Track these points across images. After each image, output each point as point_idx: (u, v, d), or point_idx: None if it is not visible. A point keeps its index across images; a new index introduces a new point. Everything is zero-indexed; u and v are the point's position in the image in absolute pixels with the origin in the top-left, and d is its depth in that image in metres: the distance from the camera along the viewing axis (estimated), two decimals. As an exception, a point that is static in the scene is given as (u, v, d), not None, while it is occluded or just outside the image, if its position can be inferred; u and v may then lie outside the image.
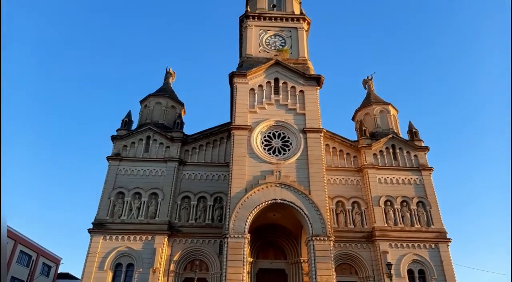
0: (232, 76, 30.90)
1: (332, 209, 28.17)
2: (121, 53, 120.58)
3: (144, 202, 27.88)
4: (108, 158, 29.65)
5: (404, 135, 33.39)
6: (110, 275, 25.09)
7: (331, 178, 29.54)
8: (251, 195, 25.38)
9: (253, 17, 35.16)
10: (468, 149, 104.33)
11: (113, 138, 30.71)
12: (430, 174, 30.33)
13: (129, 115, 32.61)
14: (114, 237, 26.20)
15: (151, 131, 30.89)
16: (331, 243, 24.19)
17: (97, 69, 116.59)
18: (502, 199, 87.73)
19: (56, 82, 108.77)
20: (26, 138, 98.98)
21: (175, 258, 26.12)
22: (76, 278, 48.04)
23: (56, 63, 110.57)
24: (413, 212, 28.46)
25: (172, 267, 25.81)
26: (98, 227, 26.50)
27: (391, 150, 31.39)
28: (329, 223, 24.81)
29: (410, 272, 26.15)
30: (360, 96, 38.52)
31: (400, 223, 27.99)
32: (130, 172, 29.22)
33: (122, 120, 32.03)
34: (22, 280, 41.03)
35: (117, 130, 31.26)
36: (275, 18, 35.30)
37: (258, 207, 25.03)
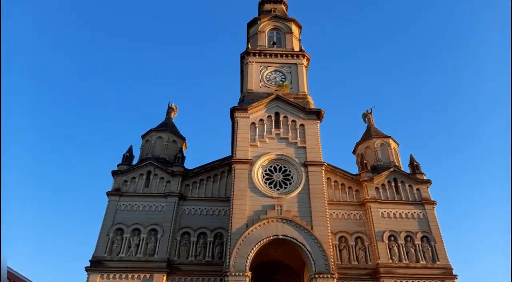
0: (233, 110, 31.29)
1: (335, 245, 27.54)
2: (124, 88, 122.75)
3: (143, 238, 27.36)
4: (108, 193, 29.43)
5: (406, 168, 33.26)
6: (106, 317, 24.25)
7: (333, 213, 29.15)
8: (252, 230, 24.97)
9: (254, 54, 36.06)
10: (470, 180, 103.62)
11: (114, 173, 30.63)
12: (433, 207, 29.92)
13: (130, 150, 32.70)
14: (111, 275, 25.51)
15: (152, 166, 30.85)
16: (335, 280, 23.51)
17: (99, 104, 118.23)
18: (509, 231, 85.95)
19: (57, 115, 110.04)
20: (25, 174, 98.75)
21: (174, 297, 25.35)
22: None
23: (57, 97, 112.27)
24: (417, 248, 27.80)
25: (170, 308, 24.97)
26: (96, 265, 25.86)
27: (393, 184, 31.16)
28: (332, 260, 24.24)
29: (417, 311, 25.24)
30: (360, 130, 38.77)
31: (405, 259, 27.27)
32: (130, 207, 28.91)
33: (123, 155, 32.09)
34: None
35: (118, 165, 31.24)
36: (275, 55, 36.19)
37: (259, 243, 24.56)
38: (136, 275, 25.56)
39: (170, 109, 37.60)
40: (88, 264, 25.91)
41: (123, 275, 25.56)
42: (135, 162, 32.31)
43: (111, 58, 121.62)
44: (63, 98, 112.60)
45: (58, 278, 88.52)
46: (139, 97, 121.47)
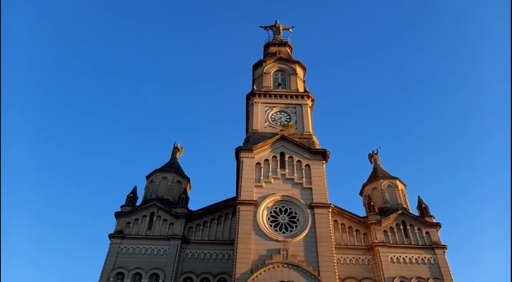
0: (238, 150, 31.29)
1: (344, 292, 26.44)
2: (129, 128, 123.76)
3: (144, 284, 26.47)
4: (111, 236, 28.85)
5: (414, 211, 32.52)
6: None
7: (341, 257, 28.19)
8: (257, 276, 24.15)
9: (259, 95, 36.60)
10: (481, 222, 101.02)
11: (117, 215, 30.21)
12: (444, 252, 28.90)
13: (134, 191, 32.45)
14: (110, 324, 24.48)
15: (156, 207, 30.43)
16: (344, 331, 22.33)
17: (103, 144, 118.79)
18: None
19: (59, 154, 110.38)
20: (22, 211, 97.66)
21: None
22: None
23: (60, 136, 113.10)
24: (430, 295, 26.59)
25: None
26: (94, 313, 24.90)
27: (401, 227, 30.35)
28: (340, 308, 23.16)
29: None
30: (367, 171, 38.37)
31: (417, 308, 26.02)
32: (132, 250, 28.21)
33: (127, 196, 31.80)
34: None
35: (121, 207, 30.87)
36: (280, 96, 36.70)
37: (264, 292, 23.63)
38: (135, 324, 24.48)
39: (175, 150, 37.67)
40: (86, 312, 24.95)
41: (122, 324, 24.49)
42: (138, 202, 31.94)
43: (116, 98, 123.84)
44: (66, 137, 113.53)
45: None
46: (144, 137, 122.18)
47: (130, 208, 30.61)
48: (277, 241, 26.19)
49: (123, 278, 26.67)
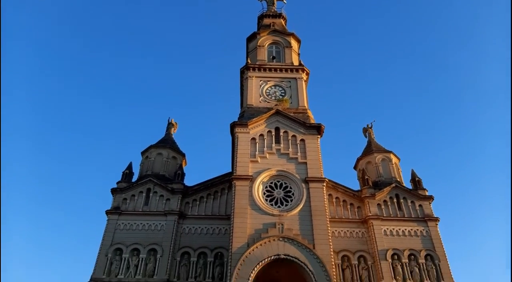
0: (233, 126, 31.14)
1: (338, 264, 27.03)
2: (122, 103, 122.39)
3: (142, 259, 26.85)
4: (107, 212, 29.00)
5: (407, 184, 32.93)
6: None
7: (336, 230, 28.72)
8: (253, 250, 24.59)
9: (254, 69, 36.05)
10: (474, 194, 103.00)
11: (113, 191, 30.25)
12: (437, 224, 29.51)
13: (129, 167, 32.36)
14: (110, 297, 25.03)
15: (152, 183, 30.49)
16: (338, 302, 23.06)
17: (98, 120, 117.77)
18: None
19: (54, 131, 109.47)
20: (20, 190, 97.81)
21: (174, 320, 24.80)
22: None
23: (54, 114, 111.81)
24: (421, 266, 27.28)
25: (170, 332, 24.40)
26: (94, 288, 25.37)
27: (395, 200, 30.80)
28: (335, 280, 23.83)
29: (422, 333, 24.67)
30: (361, 145, 38.46)
31: (409, 279, 26.71)
32: (129, 226, 28.46)
33: (123, 172, 31.73)
34: None
35: (117, 183, 30.86)
36: (275, 69, 36.17)
37: (260, 264, 24.17)
38: (135, 297, 25.05)
39: (170, 125, 37.38)
40: (87, 287, 25.40)
41: (122, 297, 25.04)
42: (134, 179, 31.96)
43: (109, 74, 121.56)
44: (61, 114, 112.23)
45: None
46: (139, 113, 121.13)
47: (126, 184, 30.64)
48: (273, 215, 26.54)
49: (121, 254, 27.03)
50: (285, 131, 31.08)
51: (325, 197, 28.00)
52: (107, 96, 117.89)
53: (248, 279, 23.43)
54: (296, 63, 37.52)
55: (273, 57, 38.28)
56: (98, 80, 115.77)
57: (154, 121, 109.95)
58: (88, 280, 25.71)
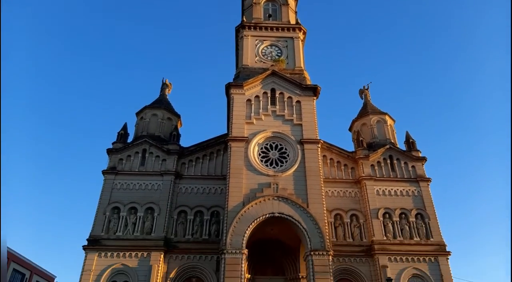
0: (228, 87, 30.79)
1: (331, 222, 27.86)
2: (116, 64, 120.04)
3: (140, 217, 27.46)
4: (104, 172, 29.25)
5: (401, 145, 33.24)
6: (105, 294, 24.60)
7: (329, 190, 29.29)
8: (248, 208, 25.10)
9: (249, 27, 35.09)
10: (466, 157, 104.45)
11: (109, 151, 30.34)
12: (428, 185, 30.13)
13: (124, 128, 32.24)
14: (109, 254, 25.73)
15: (147, 144, 30.55)
16: (330, 258, 23.92)
17: (91, 80, 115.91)
18: (502, 209, 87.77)
19: (49, 93, 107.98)
20: (18, 153, 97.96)
21: (171, 275, 25.66)
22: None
23: (49, 75, 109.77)
24: (412, 225, 28.18)
25: (168, 284, 25.36)
26: (93, 244, 26.02)
27: (388, 161, 31.20)
28: (327, 237, 24.55)
29: (410, 287, 25.85)
30: (357, 107, 38.38)
31: (399, 236, 27.70)
32: (126, 186, 28.82)
33: (118, 133, 31.66)
34: (13, 301, 39.99)
35: (112, 143, 30.89)
36: (271, 28, 35.26)
37: (255, 221, 24.75)
38: (133, 254, 25.80)
39: (164, 86, 36.89)
40: (86, 243, 26.06)
41: (121, 254, 25.78)
42: (130, 140, 31.96)
43: (104, 37, 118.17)
44: (56, 76, 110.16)
45: (57, 257, 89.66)
46: (133, 74, 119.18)
47: (121, 145, 30.68)
48: (268, 175, 26.86)
49: (119, 212, 27.55)
50: (281, 93, 30.80)
51: (320, 158, 28.27)
52: (102, 57, 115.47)
53: (244, 235, 24.09)
54: (293, 21, 36.57)
55: (269, 15, 37.20)
56: (93, 42, 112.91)
57: (148, 82, 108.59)
58: (88, 237, 26.36)
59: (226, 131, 31.65)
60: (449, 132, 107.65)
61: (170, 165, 29.77)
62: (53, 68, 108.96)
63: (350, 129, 36.55)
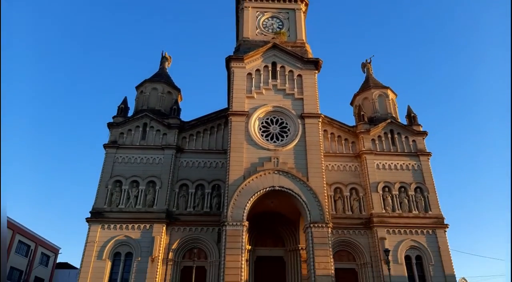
0: (229, 60, 30.40)
1: (330, 196, 28.15)
2: (115, 37, 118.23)
3: (141, 190, 27.75)
4: (105, 146, 29.34)
5: (403, 120, 33.13)
6: (109, 264, 25.19)
7: (329, 164, 29.42)
8: (249, 182, 25.29)
9: (250, -2, 34.21)
10: (467, 132, 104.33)
11: (110, 125, 30.32)
12: (428, 159, 30.20)
13: (125, 101, 32.08)
14: (112, 226, 26.20)
15: (148, 118, 30.48)
16: (329, 230, 24.28)
17: (91, 54, 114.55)
18: (501, 185, 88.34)
19: (49, 67, 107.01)
20: (21, 128, 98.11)
21: (174, 246, 26.21)
22: (75, 268, 48.20)
23: (49, 49, 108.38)
24: (411, 198, 28.46)
25: (170, 255, 25.90)
26: (96, 216, 26.44)
27: (389, 135, 31.16)
28: (327, 210, 24.84)
29: (407, 258, 26.34)
30: (359, 81, 38.03)
31: (398, 209, 28.03)
32: (128, 159, 28.97)
33: (118, 107, 31.54)
34: (21, 270, 41.06)
35: (113, 117, 30.83)
36: (272, -1, 34.38)
37: (256, 194, 25.00)
38: (136, 226, 26.24)
39: (164, 59, 36.42)
40: (89, 216, 26.46)
41: (124, 226, 26.24)
42: (130, 114, 31.87)
43: (102, 9, 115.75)
44: (55, 50, 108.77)
45: (61, 230, 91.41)
46: (132, 46, 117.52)
47: (122, 119, 30.63)
48: (268, 150, 26.91)
49: (121, 185, 27.83)
50: (282, 66, 30.41)
51: (320, 133, 28.23)
52: (100, 31, 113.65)
53: (244, 208, 24.40)
54: (294, -9, 35.60)
55: (271, -14, 36.15)
56: (92, 16, 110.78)
57: (148, 55, 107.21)
58: (91, 210, 26.74)
59: (226, 106, 31.50)
60: (451, 107, 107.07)
61: (171, 139, 29.81)
62: (53, 43, 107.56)
63: (351, 104, 36.32)
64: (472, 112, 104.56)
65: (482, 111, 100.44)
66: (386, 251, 22.12)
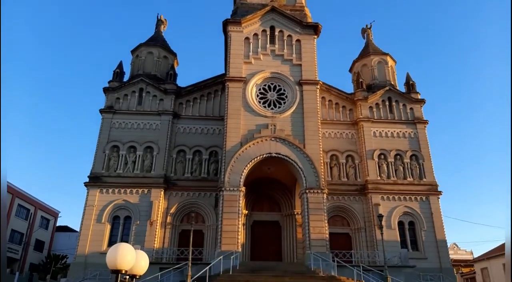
0: (226, 24, 29.64)
1: (326, 163, 28.42)
2: (110, 0, 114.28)
3: (139, 155, 27.88)
4: (101, 111, 29.15)
5: (401, 87, 32.90)
6: (108, 227, 25.71)
7: (326, 132, 29.45)
8: (246, 148, 25.39)
9: (247, -42, 32.80)
10: (464, 101, 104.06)
11: (105, 90, 29.98)
12: (425, 127, 30.29)
13: (120, 66, 31.55)
14: (110, 190, 26.50)
15: (144, 83, 30.11)
16: (324, 195, 24.68)
17: (86, 18, 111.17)
18: (496, 152, 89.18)
19: (44, 33, 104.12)
20: (19, 94, 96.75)
21: (172, 210, 26.67)
22: (75, 231, 49.04)
23: (43, 15, 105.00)
24: (406, 165, 28.79)
25: (169, 219, 26.42)
26: (94, 181, 26.67)
27: (387, 103, 31.06)
28: (323, 177, 25.13)
29: (400, 223, 27.03)
30: (358, 47, 37.38)
31: (393, 176, 28.41)
32: (124, 125, 28.88)
33: (114, 71, 31.06)
34: (21, 232, 41.86)
35: (109, 82, 30.43)
36: (271, -42, 32.99)
37: (253, 161, 25.18)
38: (134, 190, 26.56)
39: (159, 22, 35.47)
40: (87, 180, 26.68)
41: (122, 190, 26.55)
42: (126, 78, 31.45)
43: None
44: (50, 15, 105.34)
45: (61, 195, 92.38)
46: (127, 8, 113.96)
47: (118, 84, 30.25)
48: (266, 116, 26.83)
49: (118, 151, 27.90)
50: (281, 31, 29.72)
51: (318, 99, 28.08)
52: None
53: (241, 174, 24.65)
54: (293, -48, 34.20)
55: None
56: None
57: (143, 18, 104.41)
58: (89, 174, 26.93)
59: (224, 72, 31.06)
60: (450, 75, 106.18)
61: (168, 104, 29.60)
62: (48, 8, 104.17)
63: (350, 71, 35.91)
64: (471, 81, 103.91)
65: (481, 81, 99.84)
66: (380, 216, 22.59)
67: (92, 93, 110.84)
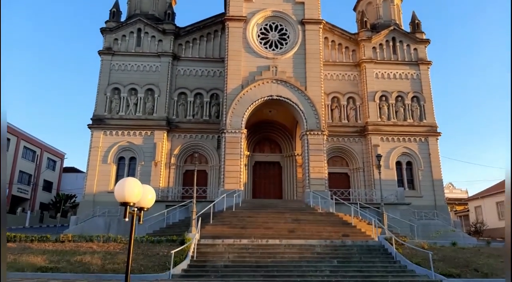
0: (225, -42, 28.11)
1: (327, 105, 28.50)
2: None
3: (140, 98, 27.90)
4: (100, 52, 28.68)
5: (406, 27, 31.93)
6: (114, 168, 26.45)
7: (328, 74, 29.17)
8: (247, 91, 25.38)
9: None
10: (471, 42, 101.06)
11: (103, 31, 29.24)
12: (428, 68, 29.91)
13: (116, 5, 30.43)
14: (114, 132, 26.88)
15: (142, 23, 29.27)
16: (325, 137, 25.10)
17: None
18: (495, 96, 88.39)
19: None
20: (17, 39, 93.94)
21: (175, 152, 27.26)
22: (82, 172, 50.22)
23: None
24: (407, 107, 28.86)
25: (173, 160, 27.09)
26: (98, 123, 26.96)
27: (391, 43, 30.38)
28: (323, 118, 25.37)
29: (398, 163, 27.71)
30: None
31: (393, 118, 28.59)
32: (124, 67, 28.56)
33: (110, 10, 30.02)
34: (29, 173, 43.00)
35: (106, 22, 29.57)
36: None
37: (254, 103, 25.29)
38: (137, 132, 26.95)
39: (155, -44, 33.46)
40: (91, 122, 26.97)
41: (125, 132, 26.94)
42: (123, 18, 30.48)
43: None
44: None
45: (66, 138, 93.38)
46: None
47: (115, 24, 29.40)
48: (267, 58, 26.47)
49: (119, 93, 27.86)
50: (283, -34, 28.21)
51: (321, 40, 27.49)
52: None
53: (243, 117, 24.88)
54: None
55: None
56: None
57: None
58: (91, 117, 27.18)
59: (223, 11, 30.02)
60: (456, 15, 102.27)
61: (167, 46, 29.02)
62: None
63: (354, 9, 34.64)
64: (477, 22, 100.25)
65: (487, 24, 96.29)
66: (378, 156, 23.06)
67: (94, 35, 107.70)
